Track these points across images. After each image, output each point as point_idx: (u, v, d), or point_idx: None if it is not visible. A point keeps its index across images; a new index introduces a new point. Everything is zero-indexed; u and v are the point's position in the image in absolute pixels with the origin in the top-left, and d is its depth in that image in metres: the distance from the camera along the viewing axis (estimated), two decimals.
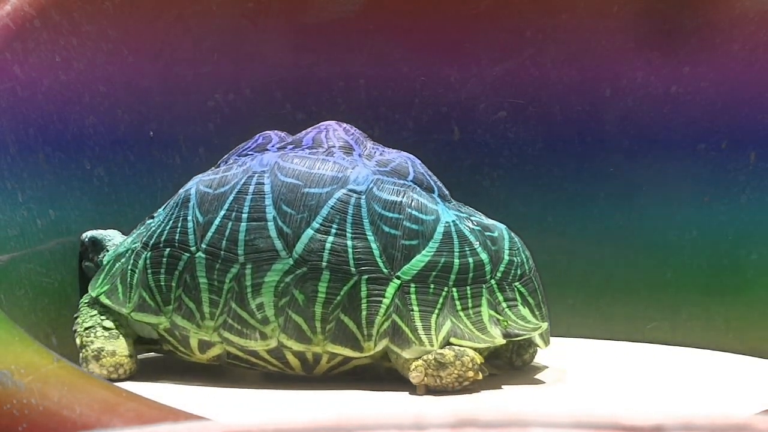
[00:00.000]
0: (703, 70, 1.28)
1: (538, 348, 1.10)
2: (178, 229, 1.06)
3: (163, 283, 1.06)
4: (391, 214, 1.02)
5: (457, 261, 1.03)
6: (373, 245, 1.02)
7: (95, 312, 1.10)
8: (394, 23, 1.31)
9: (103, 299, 1.09)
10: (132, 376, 1.10)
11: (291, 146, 1.07)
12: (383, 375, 1.06)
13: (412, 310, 1.01)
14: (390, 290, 1.02)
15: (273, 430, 0.44)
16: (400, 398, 1.03)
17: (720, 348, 1.24)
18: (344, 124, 1.10)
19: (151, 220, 1.11)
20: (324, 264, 1.01)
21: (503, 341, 1.04)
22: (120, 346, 1.09)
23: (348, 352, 1.02)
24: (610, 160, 1.31)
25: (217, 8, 1.28)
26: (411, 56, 1.32)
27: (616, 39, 1.30)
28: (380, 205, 1.02)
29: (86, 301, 1.11)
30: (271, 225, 1.03)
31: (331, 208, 1.02)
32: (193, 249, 1.05)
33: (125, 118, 1.25)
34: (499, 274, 1.05)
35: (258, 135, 1.11)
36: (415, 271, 1.02)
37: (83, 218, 1.20)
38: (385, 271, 1.02)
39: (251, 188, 1.04)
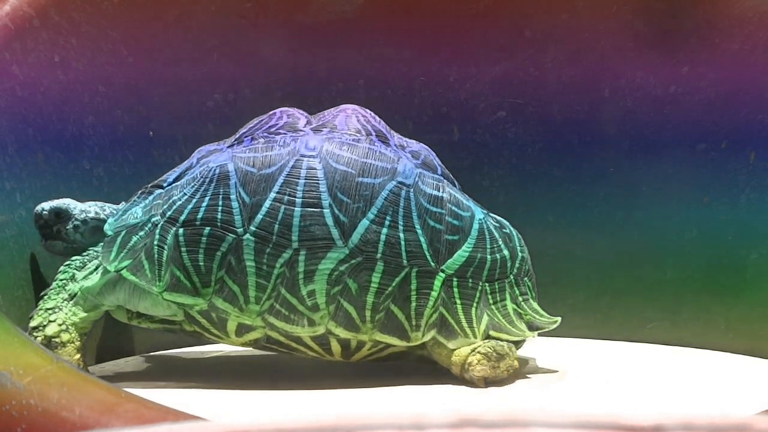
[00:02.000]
0: (703, 70, 1.28)
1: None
2: (219, 208, 1.04)
3: (202, 264, 1.03)
4: (435, 209, 1.06)
5: (489, 257, 1.08)
6: (422, 239, 1.05)
7: (65, 301, 1.07)
8: (394, 23, 1.31)
9: (127, 275, 1.04)
10: (126, 377, 1.09)
11: (327, 129, 1.07)
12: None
13: (456, 303, 1.06)
14: (437, 283, 1.05)
15: (273, 430, 0.44)
16: (400, 398, 1.03)
17: (720, 348, 1.24)
18: (365, 110, 1.10)
19: (161, 190, 1.07)
20: (379, 255, 1.04)
21: (531, 334, 1.09)
22: (65, 353, 1.05)
23: (395, 341, 1.05)
24: (610, 160, 1.31)
25: (216, 8, 1.28)
26: (411, 56, 1.32)
27: (616, 39, 1.30)
28: (425, 199, 1.06)
29: (60, 276, 1.08)
30: (327, 212, 1.03)
31: (384, 199, 1.04)
32: (240, 231, 1.03)
33: (124, 118, 1.25)
34: (515, 270, 1.10)
35: (278, 111, 1.09)
36: (458, 266, 1.06)
37: None
38: (432, 264, 1.05)
39: (303, 172, 1.03)
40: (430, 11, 1.31)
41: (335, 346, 1.06)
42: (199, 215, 1.04)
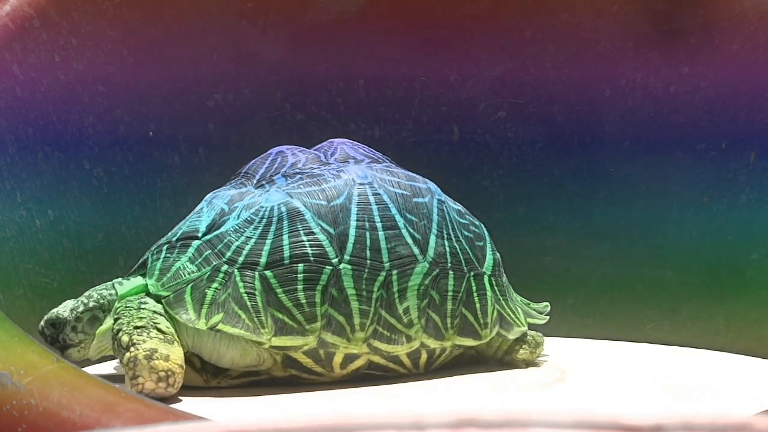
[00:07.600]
0: (703, 70, 1.28)
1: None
2: (306, 243, 1.03)
3: (304, 301, 1.02)
4: (462, 220, 1.13)
5: (497, 256, 1.15)
6: (466, 246, 1.11)
7: (146, 314, 1.01)
8: (393, 23, 1.31)
9: (226, 329, 1.00)
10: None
11: (352, 161, 1.10)
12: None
13: (500, 299, 1.13)
14: (487, 283, 1.12)
15: (272, 430, 0.44)
16: (400, 398, 1.03)
17: (720, 348, 1.24)
18: (350, 140, 1.14)
19: (199, 242, 1.03)
20: (449, 265, 1.09)
21: (545, 317, 1.17)
22: (175, 353, 0.99)
23: (470, 342, 1.10)
24: (610, 160, 1.31)
25: (216, 8, 1.28)
26: (411, 56, 1.32)
27: (616, 39, 1.30)
28: (454, 212, 1.12)
29: (131, 305, 1.02)
30: (404, 232, 1.07)
31: (437, 215, 1.10)
32: (335, 261, 1.04)
33: (124, 118, 1.25)
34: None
35: (285, 150, 1.09)
36: (491, 267, 1.13)
37: (82, 218, 1.20)
38: (480, 268, 1.12)
39: (371, 198, 1.07)
40: (430, 11, 1.31)
41: (423, 358, 1.09)
42: (285, 254, 1.03)
